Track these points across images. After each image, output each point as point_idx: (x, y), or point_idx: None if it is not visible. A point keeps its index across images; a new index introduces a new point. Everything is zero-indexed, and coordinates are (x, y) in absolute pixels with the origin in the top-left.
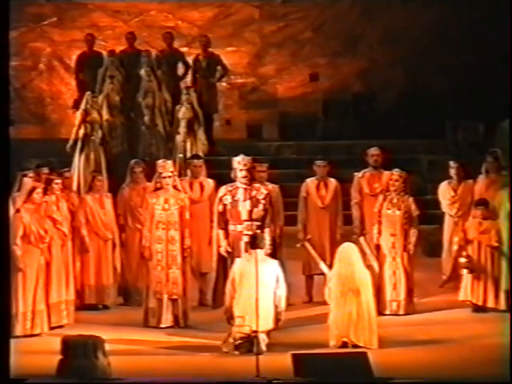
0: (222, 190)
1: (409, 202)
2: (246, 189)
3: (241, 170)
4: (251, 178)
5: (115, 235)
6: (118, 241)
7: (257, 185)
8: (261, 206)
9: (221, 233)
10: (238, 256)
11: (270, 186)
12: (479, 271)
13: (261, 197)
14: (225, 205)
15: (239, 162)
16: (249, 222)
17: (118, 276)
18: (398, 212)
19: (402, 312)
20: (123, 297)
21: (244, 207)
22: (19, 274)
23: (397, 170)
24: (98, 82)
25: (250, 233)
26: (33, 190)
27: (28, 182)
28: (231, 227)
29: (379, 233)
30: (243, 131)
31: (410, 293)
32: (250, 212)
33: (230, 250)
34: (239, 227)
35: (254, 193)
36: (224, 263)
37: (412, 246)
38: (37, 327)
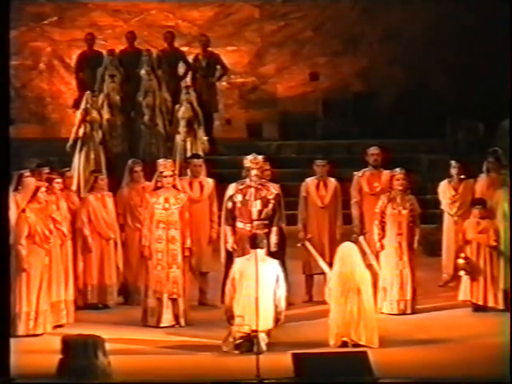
0: (233, 188)
1: (412, 200)
2: (256, 188)
3: (252, 168)
4: (262, 178)
5: (117, 234)
6: (119, 240)
7: (267, 184)
8: (270, 206)
9: (228, 229)
10: (245, 253)
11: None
12: (478, 272)
13: (271, 197)
14: (234, 202)
15: (251, 161)
16: (258, 221)
17: (121, 275)
18: (404, 211)
19: (409, 311)
20: (123, 296)
21: (255, 207)
22: (23, 274)
23: (400, 169)
24: (97, 82)
25: (258, 231)
26: (37, 189)
27: (31, 181)
28: (239, 225)
29: (383, 234)
30: (243, 130)
31: (414, 292)
32: (260, 211)
33: (235, 247)
34: (248, 226)
35: (264, 193)
36: (232, 260)
37: (417, 245)
38: (39, 327)
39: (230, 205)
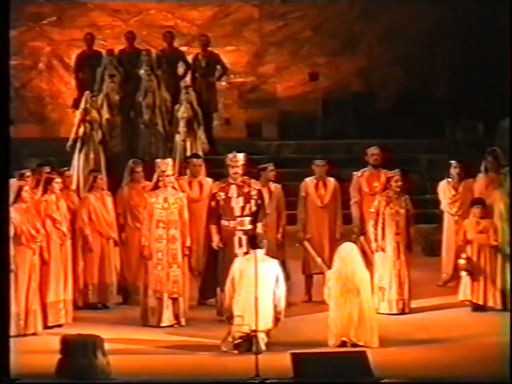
0: (215, 186)
1: (407, 200)
2: (238, 185)
3: (232, 166)
4: (244, 175)
5: (115, 233)
6: (117, 239)
7: (249, 181)
8: (253, 202)
9: (213, 228)
10: (231, 251)
11: (273, 185)
12: (478, 272)
13: (253, 193)
14: (218, 201)
15: (231, 160)
16: (241, 218)
17: (118, 275)
18: (401, 210)
19: (407, 310)
20: (122, 296)
21: (237, 203)
22: (11, 275)
23: (397, 170)
24: (96, 81)
25: (243, 228)
26: (20, 189)
27: (14, 182)
28: (224, 223)
29: (382, 234)
30: (243, 130)
31: (410, 291)
32: (243, 208)
33: (221, 245)
34: (232, 223)
35: (246, 189)
36: (215, 258)
37: (413, 244)
38: (30, 326)
39: (213, 203)
